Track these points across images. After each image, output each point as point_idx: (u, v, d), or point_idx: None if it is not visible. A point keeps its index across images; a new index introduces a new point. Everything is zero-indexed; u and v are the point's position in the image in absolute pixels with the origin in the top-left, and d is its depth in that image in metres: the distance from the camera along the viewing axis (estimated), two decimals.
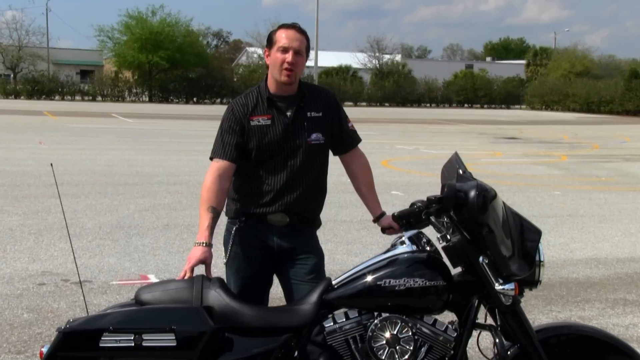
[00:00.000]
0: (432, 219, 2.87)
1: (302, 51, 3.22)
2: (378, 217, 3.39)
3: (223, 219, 3.22)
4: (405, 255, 2.84)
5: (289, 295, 3.24)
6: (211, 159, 3.24)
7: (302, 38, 3.23)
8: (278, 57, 3.18)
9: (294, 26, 3.26)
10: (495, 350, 2.87)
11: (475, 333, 2.93)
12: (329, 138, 3.34)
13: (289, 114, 3.24)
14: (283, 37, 3.20)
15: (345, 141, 3.44)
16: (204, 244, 2.99)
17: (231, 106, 3.28)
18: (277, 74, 3.21)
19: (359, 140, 3.50)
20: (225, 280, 3.28)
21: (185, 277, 2.89)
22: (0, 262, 6.51)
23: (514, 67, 71.65)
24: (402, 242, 2.92)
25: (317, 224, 3.40)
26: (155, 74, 52.88)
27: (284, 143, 3.21)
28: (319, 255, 3.34)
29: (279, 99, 3.25)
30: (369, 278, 2.78)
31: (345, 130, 3.43)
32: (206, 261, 2.97)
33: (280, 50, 3.18)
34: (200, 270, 2.95)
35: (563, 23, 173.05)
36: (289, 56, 3.17)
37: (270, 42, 3.25)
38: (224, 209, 3.28)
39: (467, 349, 2.87)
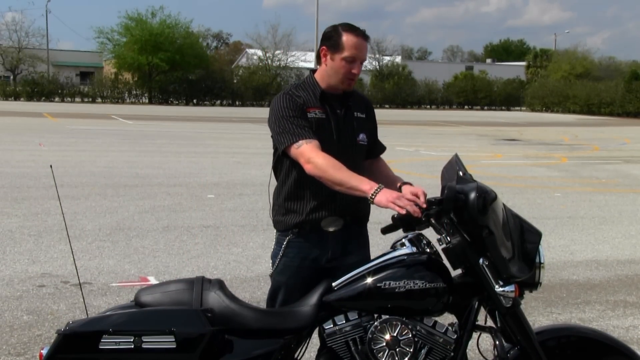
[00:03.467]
0: (432, 220, 2.86)
1: (365, 59, 3.16)
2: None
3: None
4: (405, 257, 2.83)
5: None
6: (287, 147, 2.99)
7: (367, 45, 3.15)
8: (343, 66, 3.08)
9: (363, 34, 3.10)
10: (496, 352, 2.86)
11: (475, 335, 2.93)
12: (369, 141, 3.28)
13: (339, 112, 3.16)
14: (352, 47, 3.06)
15: (378, 146, 3.41)
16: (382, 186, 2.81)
17: (288, 95, 3.10)
18: (338, 81, 3.12)
19: (384, 147, 3.47)
20: (270, 291, 3.23)
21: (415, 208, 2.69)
22: (0, 263, 6.51)
23: (514, 69, 71.68)
24: (402, 244, 2.92)
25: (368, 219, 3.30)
26: (155, 75, 52.93)
27: (337, 140, 3.10)
28: (367, 259, 3.16)
29: (330, 96, 3.16)
30: (369, 280, 2.78)
31: (377, 136, 3.41)
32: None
33: (347, 60, 3.07)
34: (200, 272, 2.95)
35: (564, 25, 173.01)
36: (355, 67, 3.09)
37: (335, 45, 3.08)
38: (273, 223, 3.21)
39: (467, 350, 2.87)
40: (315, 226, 3.09)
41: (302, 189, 3.11)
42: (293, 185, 3.13)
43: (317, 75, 3.19)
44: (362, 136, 3.21)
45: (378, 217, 3.41)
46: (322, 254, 3.12)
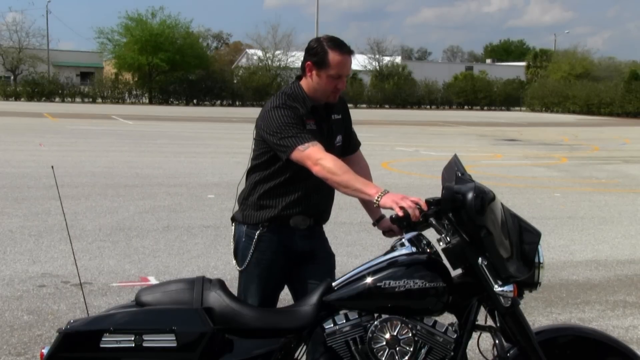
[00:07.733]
0: (432, 221, 2.87)
1: (350, 73, 3.24)
2: (378, 220, 3.41)
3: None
4: (405, 257, 2.84)
5: (302, 296, 3.17)
6: (292, 150, 3.02)
7: (352, 59, 3.21)
8: (330, 83, 3.16)
9: (349, 51, 3.18)
10: (495, 352, 2.87)
11: (475, 335, 2.93)
12: (344, 139, 3.39)
13: (324, 121, 3.26)
14: (338, 65, 3.13)
15: (353, 142, 3.51)
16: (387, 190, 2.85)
17: (287, 105, 3.14)
18: (324, 95, 3.20)
19: (360, 142, 3.59)
20: (242, 286, 3.28)
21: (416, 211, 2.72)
22: (0, 264, 6.51)
23: (514, 69, 71.65)
24: (402, 244, 2.92)
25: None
26: (155, 75, 52.93)
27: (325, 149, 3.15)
28: (332, 254, 3.42)
29: (319, 107, 3.25)
30: (369, 279, 2.79)
31: (353, 132, 3.51)
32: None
33: (334, 77, 3.15)
34: (200, 272, 2.96)
35: (565, 25, 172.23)
36: (341, 83, 3.18)
37: (321, 62, 3.14)
38: (242, 217, 3.28)
39: (467, 350, 2.87)
40: (285, 222, 3.22)
41: (283, 189, 3.22)
42: (276, 185, 3.22)
43: (303, 86, 3.24)
44: (338, 138, 3.34)
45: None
46: (292, 248, 3.25)
